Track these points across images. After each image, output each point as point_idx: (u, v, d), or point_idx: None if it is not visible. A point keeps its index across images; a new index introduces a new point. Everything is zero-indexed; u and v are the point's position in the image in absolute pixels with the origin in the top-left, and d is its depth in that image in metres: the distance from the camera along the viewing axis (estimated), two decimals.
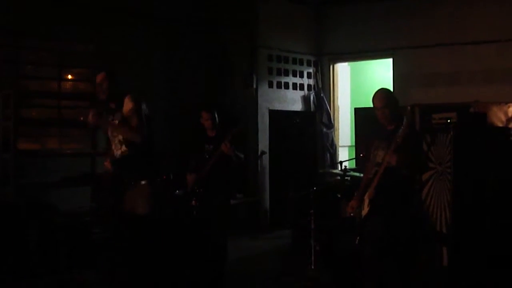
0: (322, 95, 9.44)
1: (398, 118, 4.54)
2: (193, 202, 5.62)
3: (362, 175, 5.23)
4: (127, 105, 4.69)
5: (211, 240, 5.55)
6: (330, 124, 9.42)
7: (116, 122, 4.73)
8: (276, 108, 8.89)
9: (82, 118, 4.83)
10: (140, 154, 4.69)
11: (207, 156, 5.63)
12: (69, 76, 7.87)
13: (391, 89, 8.59)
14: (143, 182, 4.67)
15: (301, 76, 9.34)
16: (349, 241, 5.21)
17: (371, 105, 4.67)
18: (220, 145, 5.43)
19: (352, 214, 4.67)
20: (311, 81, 9.48)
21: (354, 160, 8.23)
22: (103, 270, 5.58)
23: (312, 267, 5.90)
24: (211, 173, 5.57)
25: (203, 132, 5.80)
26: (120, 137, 4.72)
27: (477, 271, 4.89)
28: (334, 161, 9.27)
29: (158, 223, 5.07)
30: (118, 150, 4.75)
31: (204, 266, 5.44)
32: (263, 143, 8.70)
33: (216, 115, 5.70)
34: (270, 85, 8.86)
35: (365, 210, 4.51)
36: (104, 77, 4.76)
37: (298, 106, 9.28)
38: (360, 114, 8.80)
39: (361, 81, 10.33)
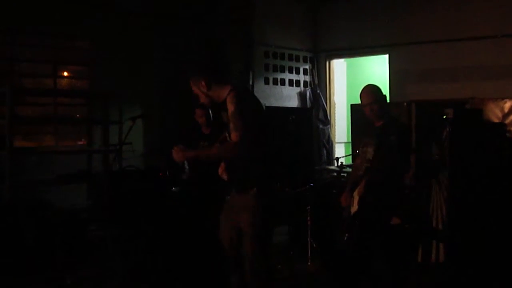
0: (318, 91, 9.44)
1: (386, 115, 4.52)
2: None
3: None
4: (229, 107, 3.78)
5: (210, 235, 5.53)
6: (326, 121, 9.42)
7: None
8: (272, 105, 8.87)
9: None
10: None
11: None
12: (65, 73, 7.84)
13: (388, 85, 8.61)
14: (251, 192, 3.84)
15: (297, 72, 9.33)
16: (345, 238, 5.21)
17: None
18: (214, 143, 5.39)
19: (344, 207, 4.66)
20: (307, 78, 9.47)
21: (350, 157, 8.24)
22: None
23: (309, 263, 5.90)
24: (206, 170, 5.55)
25: (198, 129, 5.79)
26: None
27: (473, 268, 4.90)
28: (330, 158, 9.28)
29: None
30: None
31: (208, 263, 5.43)
32: None
33: (210, 112, 5.67)
34: (266, 81, 8.86)
35: (355, 208, 4.49)
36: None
37: (294, 103, 9.27)
38: (356, 110, 8.80)
39: (357, 78, 10.31)
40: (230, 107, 3.76)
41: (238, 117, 3.70)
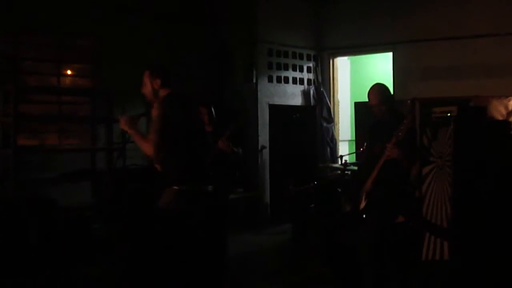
0: (322, 89, 9.43)
1: (394, 113, 4.53)
2: None
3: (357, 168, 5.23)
4: (153, 111, 4.23)
5: (211, 236, 5.54)
6: (330, 119, 9.42)
7: None
8: (276, 103, 8.88)
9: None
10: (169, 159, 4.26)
11: None
12: (69, 72, 7.85)
13: (391, 83, 8.60)
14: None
15: (301, 70, 9.32)
16: (349, 236, 5.20)
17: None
18: (217, 141, 5.40)
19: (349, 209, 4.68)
20: (311, 76, 9.47)
21: (354, 155, 8.24)
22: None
23: (313, 261, 5.90)
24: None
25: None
26: None
27: (478, 265, 4.89)
28: (334, 156, 9.28)
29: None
30: None
31: (205, 262, 5.43)
32: (263, 137, 8.69)
33: (213, 110, 5.66)
34: (270, 79, 8.85)
35: (363, 204, 4.50)
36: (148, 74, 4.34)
37: (298, 101, 9.27)
38: (360, 108, 8.80)
39: (361, 75, 10.31)
40: (154, 112, 4.19)
41: (155, 123, 4.13)
